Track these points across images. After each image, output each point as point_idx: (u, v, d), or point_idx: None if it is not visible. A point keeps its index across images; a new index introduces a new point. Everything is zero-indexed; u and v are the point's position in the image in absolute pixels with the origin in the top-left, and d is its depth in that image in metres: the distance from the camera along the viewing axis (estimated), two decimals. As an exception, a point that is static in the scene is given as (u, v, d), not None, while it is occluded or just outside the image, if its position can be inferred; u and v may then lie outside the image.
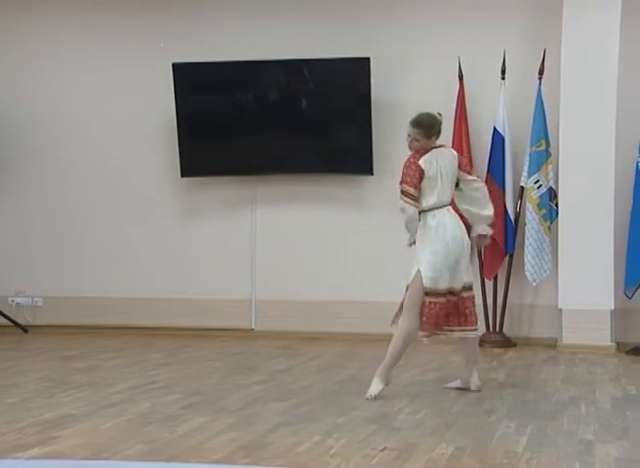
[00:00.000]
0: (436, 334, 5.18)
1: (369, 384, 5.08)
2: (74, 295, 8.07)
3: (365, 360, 6.47)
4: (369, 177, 7.56)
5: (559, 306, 7.12)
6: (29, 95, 8.24)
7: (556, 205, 7.17)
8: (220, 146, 7.80)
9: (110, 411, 4.73)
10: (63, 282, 8.13)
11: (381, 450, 3.96)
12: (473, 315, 5.22)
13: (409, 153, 5.17)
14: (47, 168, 8.21)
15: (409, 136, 5.14)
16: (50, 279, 8.17)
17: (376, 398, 5.01)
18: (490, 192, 7.22)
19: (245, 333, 7.81)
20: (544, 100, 7.14)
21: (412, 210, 5.06)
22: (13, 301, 8.21)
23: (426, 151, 5.11)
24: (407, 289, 5.11)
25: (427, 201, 5.09)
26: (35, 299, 8.21)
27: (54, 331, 7.93)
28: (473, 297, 5.25)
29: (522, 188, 7.24)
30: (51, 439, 4.14)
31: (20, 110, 8.19)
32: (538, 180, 7.12)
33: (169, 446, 4.05)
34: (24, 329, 7.95)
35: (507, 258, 7.30)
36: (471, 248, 5.34)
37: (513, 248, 7.23)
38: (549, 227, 7.15)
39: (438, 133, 5.16)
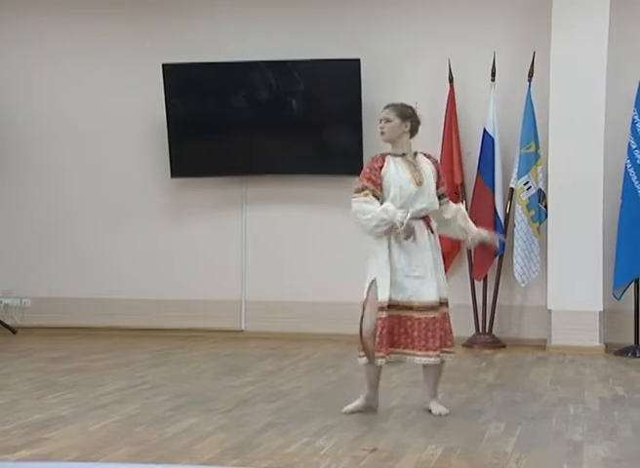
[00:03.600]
0: None
1: (359, 386, 5.06)
2: (63, 296, 8.04)
3: (355, 361, 6.46)
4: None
5: (548, 307, 7.14)
6: (15, 96, 8.20)
7: (545, 206, 7.19)
8: (210, 147, 7.79)
9: (99, 413, 4.71)
10: (52, 283, 8.10)
11: (371, 451, 3.96)
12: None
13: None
14: (35, 169, 8.18)
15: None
16: (38, 280, 8.13)
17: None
18: (480, 193, 7.35)
19: (235, 334, 7.79)
20: (534, 103, 7.16)
21: None
22: (1, 302, 8.18)
23: None
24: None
25: None
26: (24, 300, 8.18)
27: (42, 332, 7.89)
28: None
29: (511, 190, 7.26)
30: (39, 440, 4.13)
31: (7, 112, 8.16)
32: (527, 182, 7.15)
33: (158, 447, 4.05)
34: (13, 330, 7.92)
35: (497, 259, 7.32)
36: None
37: (503, 249, 7.23)
38: (538, 228, 7.18)
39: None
